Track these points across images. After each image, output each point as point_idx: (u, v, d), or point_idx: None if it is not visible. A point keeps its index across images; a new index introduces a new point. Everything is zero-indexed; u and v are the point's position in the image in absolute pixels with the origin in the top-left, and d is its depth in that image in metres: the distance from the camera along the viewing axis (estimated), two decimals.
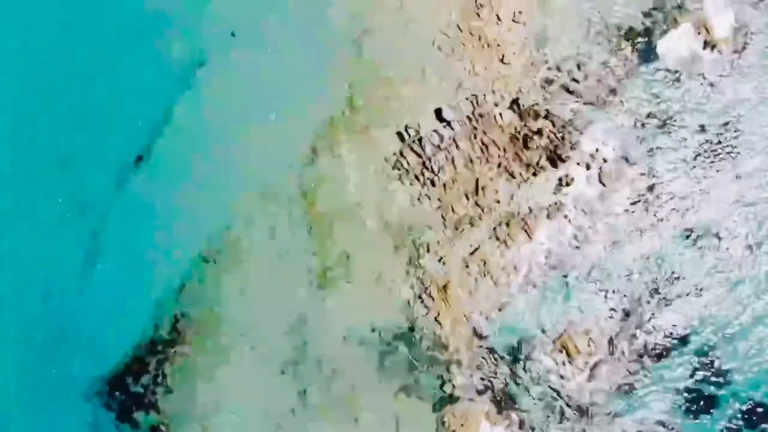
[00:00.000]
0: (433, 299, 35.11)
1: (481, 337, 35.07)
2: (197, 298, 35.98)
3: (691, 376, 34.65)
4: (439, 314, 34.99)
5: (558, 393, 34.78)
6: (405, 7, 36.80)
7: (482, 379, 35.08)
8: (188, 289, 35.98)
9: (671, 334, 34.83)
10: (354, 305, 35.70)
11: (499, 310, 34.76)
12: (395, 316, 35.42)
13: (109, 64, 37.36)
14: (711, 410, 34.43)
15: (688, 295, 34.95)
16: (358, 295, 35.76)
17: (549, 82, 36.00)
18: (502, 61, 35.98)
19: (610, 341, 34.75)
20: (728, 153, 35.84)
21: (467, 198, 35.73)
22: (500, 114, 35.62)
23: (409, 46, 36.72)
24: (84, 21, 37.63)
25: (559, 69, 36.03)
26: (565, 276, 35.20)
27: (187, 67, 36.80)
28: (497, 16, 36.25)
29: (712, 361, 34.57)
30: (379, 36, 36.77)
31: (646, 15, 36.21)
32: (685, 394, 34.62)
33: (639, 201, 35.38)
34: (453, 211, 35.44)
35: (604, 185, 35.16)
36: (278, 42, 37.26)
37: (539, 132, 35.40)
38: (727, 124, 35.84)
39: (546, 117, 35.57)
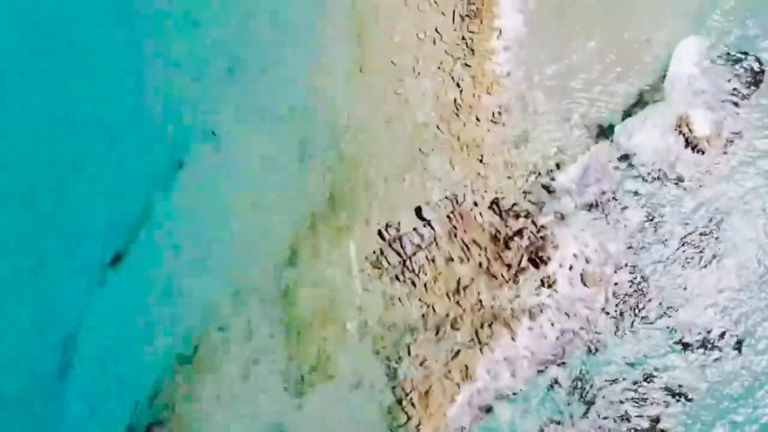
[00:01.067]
0: (414, 406, 32.69)
1: None
2: (172, 404, 32.98)
3: None
4: (420, 422, 32.22)
5: None
6: (385, 106, 35.71)
7: None
8: (163, 395, 33.08)
9: None
10: (333, 411, 33.06)
11: (481, 418, 32.58)
12: (375, 424, 32.89)
13: (86, 165, 35.25)
14: None
15: (673, 397, 33.12)
16: (337, 401, 33.16)
17: (529, 181, 34.91)
18: (481, 161, 34.58)
19: None
20: (712, 254, 34.17)
21: (448, 298, 33.71)
22: (480, 213, 34.08)
23: (389, 145, 35.36)
24: (62, 121, 35.49)
25: (538, 168, 34.84)
26: (547, 379, 32.80)
27: (166, 167, 34.81)
28: (476, 116, 35.09)
29: None
30: (360, 134, 35.26)
31: (625, 112, 35.45)
32: None
33: (622, 301, 33.57)
34: (434, 311, 33.40)
35: (586, 286, 33.43)
36: (258, 140, 35.43)
37: (520, 232, 33.74)
38: (710, 221, 34.50)
39: (526, 217, 34.06)
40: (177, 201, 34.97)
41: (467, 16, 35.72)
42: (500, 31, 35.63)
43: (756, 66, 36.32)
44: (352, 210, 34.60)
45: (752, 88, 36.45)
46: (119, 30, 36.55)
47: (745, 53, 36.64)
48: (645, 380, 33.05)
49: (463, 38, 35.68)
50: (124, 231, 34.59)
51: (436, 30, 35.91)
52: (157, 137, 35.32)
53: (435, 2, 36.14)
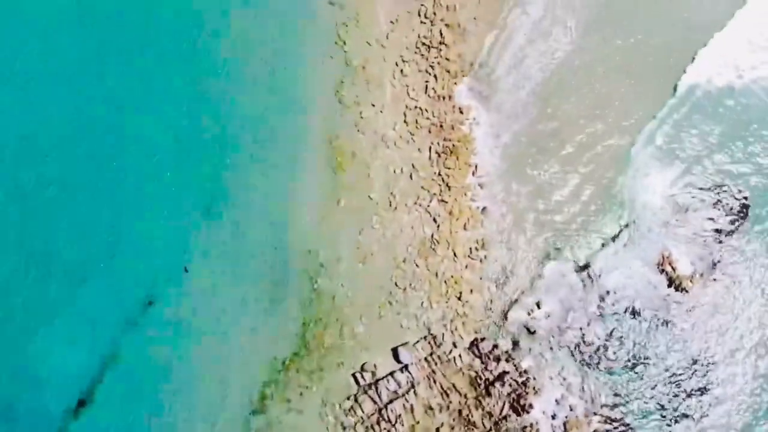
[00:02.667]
0: None
1: None
2: None
3: None
4: None
5: None
6: (362, 241, 32.68)
7: None
8: None
9: None
10: None
11: None
12: None
13: (53, 307, 31.35)
14: None
15: None
16: None
17: (509, 321, 31.76)
18: (459, 298, 31.66)
19: None
20: (698, 403, 30.93)
21: None
22: (459, 356, 30.72)
23: (365, 281, 32.24)
24: (30, 260, 31.70)
25: (518, 306, 31.78)
26: None
27: (136, 306, 31.29)
28: (454, 252, 32.42)
29: None
30: (335, 270, 32.09)
31: (605, 247, 32.88)
32: None
33: None
34: None
35: None
36: (231, 278, 31.99)
37: (501, 377, 30.32)
38: (695, 363, 31.36)
39: (507, 360, 30.75)
40: (145, 341, 31.11)
41: (443, 152, 33.53)
42: (476, 167, 33.44)
43: (738, 197, 34.36)
44: (326, 352, 30.96)
45: (736, 221, 34.48)
46: (95, 167, 33.31)
47: (724, 183, 34.78)
48: None
49: (440, 174, 33.37)
50: (89, 374, 30.66)
51: (413, 165, 33.59)
52: (129, 275, 31.75)
53: (412, 138, 34.03)
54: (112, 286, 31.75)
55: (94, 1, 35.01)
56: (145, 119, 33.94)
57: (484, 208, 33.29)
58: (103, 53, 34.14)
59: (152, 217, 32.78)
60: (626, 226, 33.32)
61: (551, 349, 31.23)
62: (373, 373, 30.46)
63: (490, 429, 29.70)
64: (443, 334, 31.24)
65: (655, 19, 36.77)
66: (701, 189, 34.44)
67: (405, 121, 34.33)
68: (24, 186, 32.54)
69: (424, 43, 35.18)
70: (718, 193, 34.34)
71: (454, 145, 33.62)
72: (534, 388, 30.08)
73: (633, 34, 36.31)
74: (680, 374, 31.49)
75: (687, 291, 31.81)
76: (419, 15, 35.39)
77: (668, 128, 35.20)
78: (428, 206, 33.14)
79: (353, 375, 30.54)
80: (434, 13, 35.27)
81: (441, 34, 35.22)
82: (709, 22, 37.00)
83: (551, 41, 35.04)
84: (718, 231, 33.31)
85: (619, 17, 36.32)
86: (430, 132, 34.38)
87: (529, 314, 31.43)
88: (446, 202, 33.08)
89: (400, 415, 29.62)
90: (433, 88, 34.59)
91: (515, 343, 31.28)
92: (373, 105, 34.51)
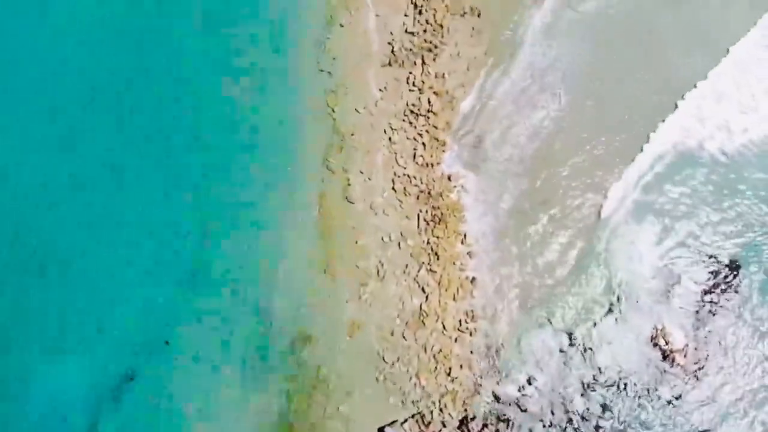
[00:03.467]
0: None
1: None
2: None
3: None
4: None
5: None
6: (349, 312, 30.89)
7: None
8: None
9: None
10: None
11: None
12: None
13: (29, 382, 29.93)
14: None
15: None
16: None
17: (499, 397, 29.75)
18: (449, 374, 29.72)
19: None
20: None
21: None
22: None
23: (351, 356, 30.47)
24: (3, 335, 30.70)
25: (509, 382, 29.98)
26: None
27: (115, 381, 29.75)
28: (443, 324, 30.62)
29: None
30: (321, 343, 30.48)
31: (596, 320, 30.78)
32: None
33: None
34: None
35: None
36: (213, 349, 30.33)
37: None
38: None
39: None
40: (126, 417, 29.40)
41: (432, 220, 31.96)
42: (465, 235, 31.81)
43: (730, 269, 32.63)
44: (311, 430, 29.69)
45: (728, 284, 33.01)
46: (74, 238, 32.08)
47: (716, 255, 32.87)
48: None
49: (428, 242, 31.82)
50: None
51: (401, 234, 32.09)
52: (109, 349, 30.18)
53: (400, 206, 32.60)
54: (91, 361, 30.13)
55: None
56: (127, 186, 32.98)
57: (473, 279, 31.51)
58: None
59: (133, 288, 31.26)
60: (618, 299, 31.28)
61: (543, 426, 29.35)
62: None
63: None
64: (432, 412, 29.21)
65: (644, 81, 35.95)
66: (690, 254, 33.22)
67: (393, 189, 33.02)
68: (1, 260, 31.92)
69: (412, 111, 34.01)
70: (708, 257, 33.07)
71: (442, 213, 32.02)
72: None
73: (623, 97, 35.68)
74: None
75: (681, 365, 30.17)
76: (408, 83, 34.35)
77: (654, 192, 34.08)
78: (417, 276, 31.56)
79: None
80: (423, 81, 34.21)
81: (429, 102, 34.11)
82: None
83: (539, 108, 33.65)
84: (710, 300, 31.97)
85: (609, 80, 34.97)
86: (418, 199, 33.04)
87: (519, 390, 29.55)
88: (435, 272, 31.38)
89: None
90: (421, 156, 33.30)
91: (506, 422, 29.41)
92: (362, 172, 33.29)
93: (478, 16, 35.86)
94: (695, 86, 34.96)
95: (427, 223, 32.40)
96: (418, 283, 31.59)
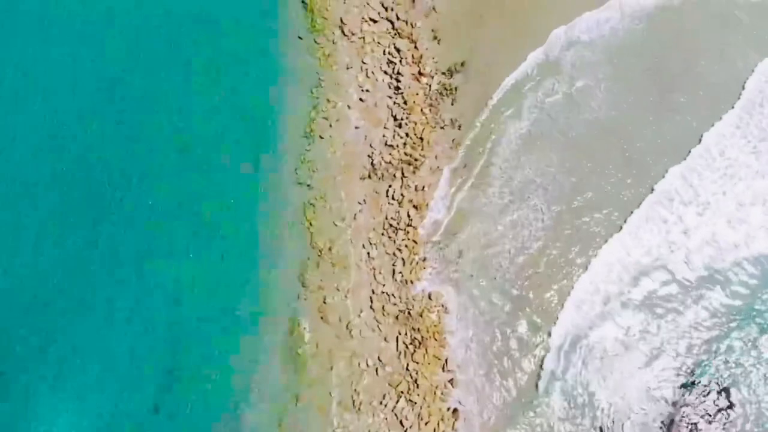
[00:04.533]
0: None
1: None
2: None
3: None
4: None
5: None
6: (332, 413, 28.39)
7: None
8: None
9: None
10: None
11: None
12: None
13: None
14: None
15: None
16: None
17: None
18: None
19: None
20: None
21: None
22: None
23: None
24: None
25: None
26: None
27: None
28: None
29: None
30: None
31: None
32: None
33: None
34: None
35: None
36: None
37: None
38: None
39: None
40: None
41: (411, 343, 28.99)
42: (446, 361, 28.70)
43: (723, 399, 29.74)
44: None
45: (721, 411, 30.17)
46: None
47: (708, 384, 29.62)
48: None
49: (407, 368, 28.59)
50: None
51: (379, 359, 28.96)
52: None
53: (378, 327, 29.54)
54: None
55: None
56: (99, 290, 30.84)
57: (455, 410, 28.09)
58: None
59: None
60: (605, 428, 28.24)
61: None
62: None
63: None
64: None
65: (625, 189, 34.35)
66: (677, 384, 30.27)
67: (371, 308, 30.07)
68: None
69: (391, 225, 31.57)
70: (701, 386, 30.20)
71: (422, 337, 28.91)
72: None
73: (603, 208, 33.12)
74: None
75: None
76: (387, 195, 32.22)
77: (636, 321, 31.24)
78: (395, 407, 28.01)
79: None
80: (402, 194, 31.96)
81: (409, 215, 31.68)
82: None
83: (520, 225, 31.41)
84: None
85: (588, 190, 33.02)
86: (397, 319, 29.95)
87: None
88: (415, 403, 27.89)
89: None
90: (400, 272, 30.57)
91: None
92: (338, 289, 30.42)
93: (459, 128, 34.94)
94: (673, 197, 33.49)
95: (407, 347, 29.28)
96: (396, 415, 28.02)
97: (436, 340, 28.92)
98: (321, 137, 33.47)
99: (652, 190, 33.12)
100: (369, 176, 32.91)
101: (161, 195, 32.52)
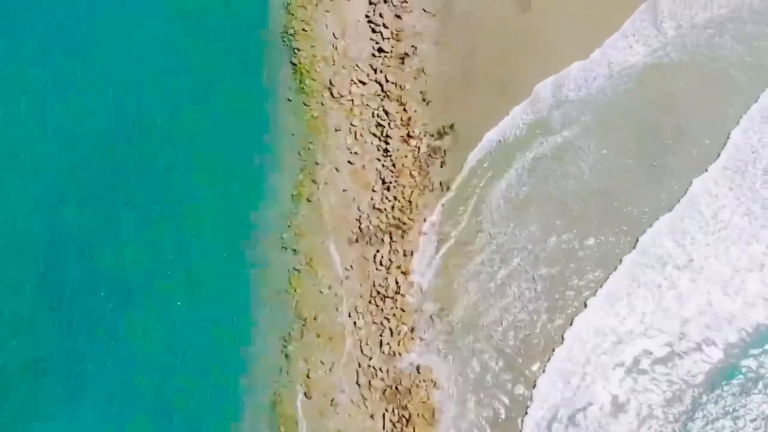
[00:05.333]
0: None
1: None
2: None
3: None
4: None
5: None
6: None
7: None
8: None
9: None
10: None
11: None
12: None
13: None
14: None
15: None
16: None
17: None
18: None
19: None
20: None
21: None
22: None
23: None
24: None
25: None
26: None
27: None
28: None
29: None
30: None
31: None
32: None
33: None
34: None
35: None
36: None
37: None
38: None
39: None
40: None
41: (398, 421, 26.75)
42: None
43: None
44: None
45: None
46: None
47: None
48: None
49: None
50: None
51: None
52: None
53: (364, 403, 27.33)
54: None
55: None
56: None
57: None
58: None
59: None
60: None
61: None
62: None
63: None
64: None
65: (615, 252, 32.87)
66: None
67: (357, 383, 27.96)
68: None
69: (379, 292, 29.73)
70: None
71: (410, 414, 26.70)
72: None
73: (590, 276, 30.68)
74: None
75: None
76: (375, 261, 30.43)
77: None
78: None
79: None
80: (390, 260, 30.22)
81: (397, 282, 29.83)
82: None
83: (509, 294, 29.25)
84: None
85: (584, 256, 30.84)
86: (384, 395, 27.70)
87: None
88: None
89: None
90: (388, 344, 28.53)
91: None
92: (323, 363, 28.31)
93: (447, 189, 33.63)
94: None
95: (394, 425, 26.89)
96: None
97: (424, 419, 26.80)
98: (309, 200, 31.92)
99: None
100: (356, 240, 31.16)
101: (138, 265, 30.79)
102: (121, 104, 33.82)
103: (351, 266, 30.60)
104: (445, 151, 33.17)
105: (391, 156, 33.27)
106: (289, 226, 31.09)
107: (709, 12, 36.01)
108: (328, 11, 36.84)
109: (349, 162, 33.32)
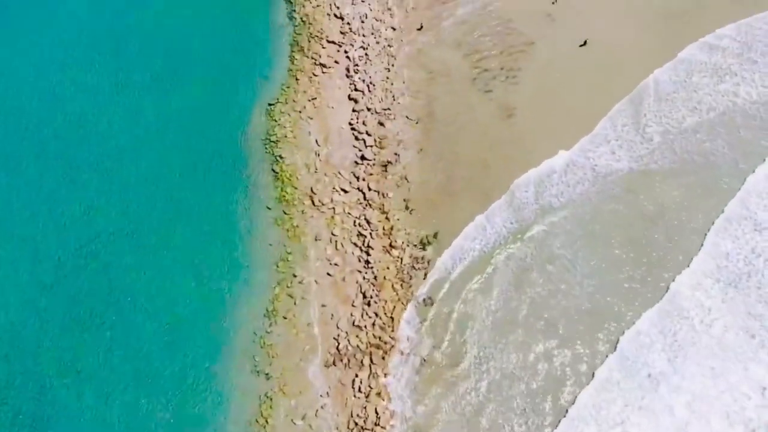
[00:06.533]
0: None
1: None
2: None
3: None
4: None
5: None
6: None
7: None
8: None
9: None
10: None
11: None
12: None
13: None
14: None
15: None
16: None
17: None
18: None
19: None
20: None
21: None
22: None
23: None
24: None
25: None
26: None
27: None
28: None
29: None
30: None
31: None
32: None
33: None
34: None
35: None
36: None
37: None
38: None
39: None
40: None
41: None
42: None
43: None
44: None
45: None
46: None
47: None
48: None
49: None
50: None
51: None
52: None
53: None
54: None
55: None
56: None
57: None
58: None
59: None
60: None
61: None
62: None
63: None
64: None
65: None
66: None
67: None
68: None
69: (357, 423, 25.85)
70: None
71: None
72: None
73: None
74: None
75: None
76: (353, 387, 26.83)
77: None
78: None
79: None
80: (370, 387, 26.60)
81: (376, 412, 25.88)
82: None
83: (497, 428, 25.79)
84: None
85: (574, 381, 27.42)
86: None
87: None
88: None
89: None
90: None
91: None
92: None
93: (430, 303, 29.92)
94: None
95: None
96: None
97: None
98: (284, 317, 28.73)
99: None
100: (334, 363, 27.68)
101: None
102: (95, 218, 31.68)
103: (327, 392, 26.88)
104: (428, 261, 30.58)
105: (372, 268, 30.50)
106: (261, 347, 27.92)
107: (697, 116, 34.24)
108: (311, 118, 35.75)
109: (328, 274, 30.48)
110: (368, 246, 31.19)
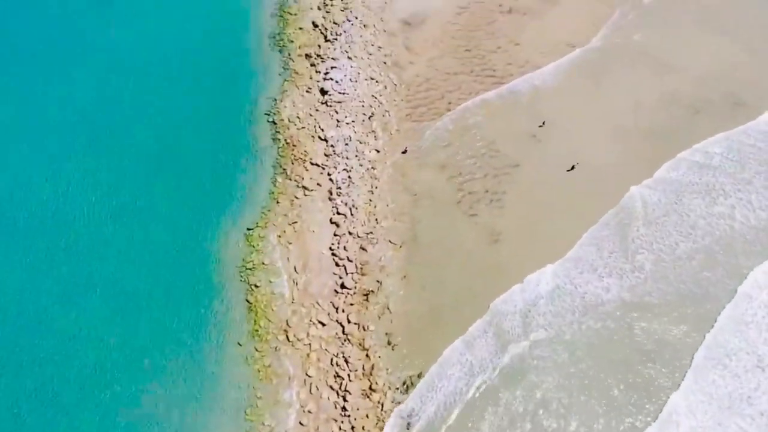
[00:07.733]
0: None
1: None
2: None
3: None
4: None
5: None
6: None
7: None
8: None
9: None
10: None
11: None
12: None
13: None
14: None
15: None
16: None
17: None
18: None
19: None
20: None
21: None
22: None
23: None
24: None
25: None
26: None
27: None
28: None
29: None
30: None
31: None
32: None
33: None
34: None
35: None
36: None
37: None
38: None
39: None
40: None
41: None
42: None
43: None
44: None
45: None
46: None
47: None
48: None
49: None
50: None
51: None
52: None
53: None
54: None
55: None
56: None
57: None
58: None
59: None
60: None
61: None
62: None
63: None
64: None
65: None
66: None
67: None
68: None
69: None
70: None
71: None
72: None
73: None
74: None
75: None
76: None
77: None
78: None
79: None
80: None
81: None
82: None
83: None
84: None
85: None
86: None
87: None
88: None
89: None
90: None
91: None
92: None
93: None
94: None
95: None
96: None
97: None
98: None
99: None
100: None
101: None
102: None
103: None
104: (413, 409, 26.36)
105: (349, 416, 26.62)
106: None
107: (691, 242, 31.21)
108: (290, 243, 32.80)
109: (301, 423, 26.50)
110: (345, 389, 27.36)
